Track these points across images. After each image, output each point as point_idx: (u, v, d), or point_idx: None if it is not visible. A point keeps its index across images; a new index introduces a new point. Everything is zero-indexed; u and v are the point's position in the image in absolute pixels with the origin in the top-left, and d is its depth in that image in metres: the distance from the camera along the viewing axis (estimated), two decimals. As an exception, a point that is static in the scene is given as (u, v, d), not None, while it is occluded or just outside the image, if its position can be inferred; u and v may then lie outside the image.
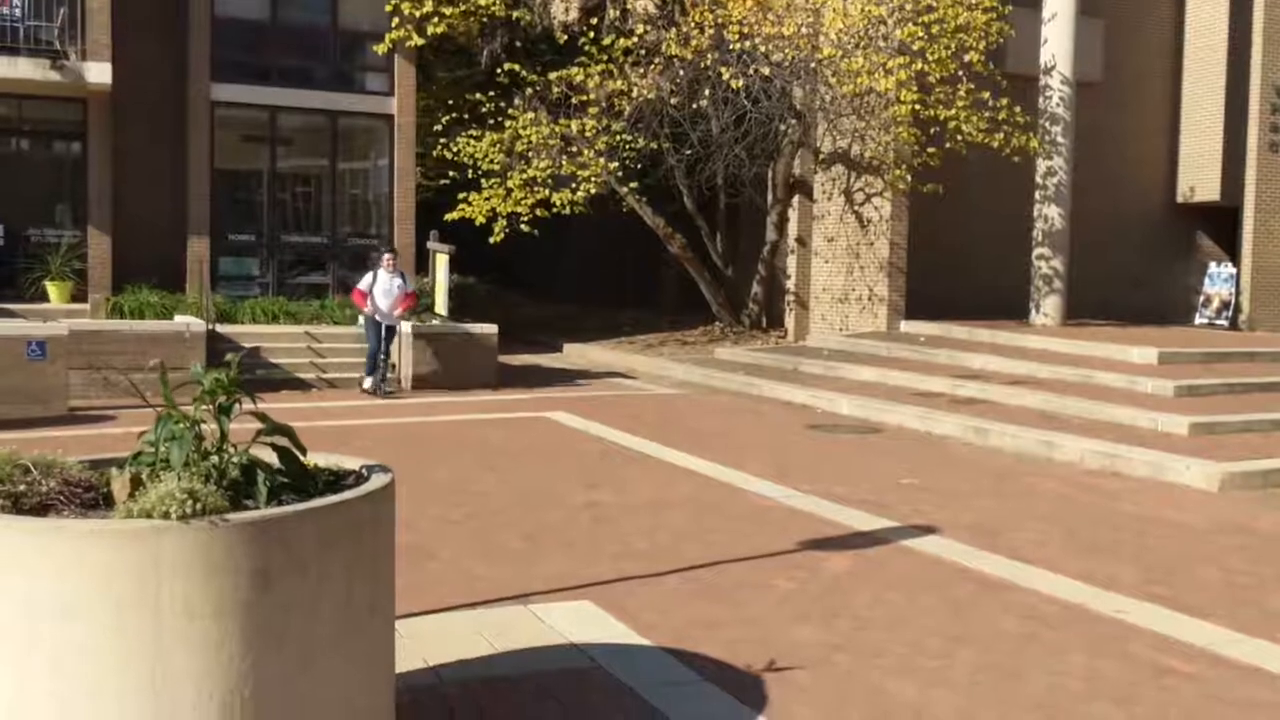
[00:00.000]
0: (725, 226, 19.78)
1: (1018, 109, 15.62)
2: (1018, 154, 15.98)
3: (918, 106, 15.51)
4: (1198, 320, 19.47)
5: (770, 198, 18.21)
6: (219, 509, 2.86)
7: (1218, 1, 19.41)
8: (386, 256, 13.75)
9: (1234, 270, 19.35)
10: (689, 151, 17.10)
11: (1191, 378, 12.13)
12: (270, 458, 3.19)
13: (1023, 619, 5.28)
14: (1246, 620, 5.31)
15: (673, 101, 16.75)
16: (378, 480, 3.26)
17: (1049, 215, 16.83)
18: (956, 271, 17.31)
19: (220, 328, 14.14)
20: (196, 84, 15.87)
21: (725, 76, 15.80)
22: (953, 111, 15.48)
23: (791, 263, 18.08)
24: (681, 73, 16.43)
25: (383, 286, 13.37)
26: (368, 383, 13.42)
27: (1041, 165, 16.80)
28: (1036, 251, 16.97)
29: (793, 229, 18.11)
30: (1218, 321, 19.13)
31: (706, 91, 16.24)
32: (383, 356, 13.40)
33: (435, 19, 16.63)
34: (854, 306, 17.35)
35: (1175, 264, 20.42)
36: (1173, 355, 13.03)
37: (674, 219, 18.77)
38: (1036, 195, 16.96)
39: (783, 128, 17.02)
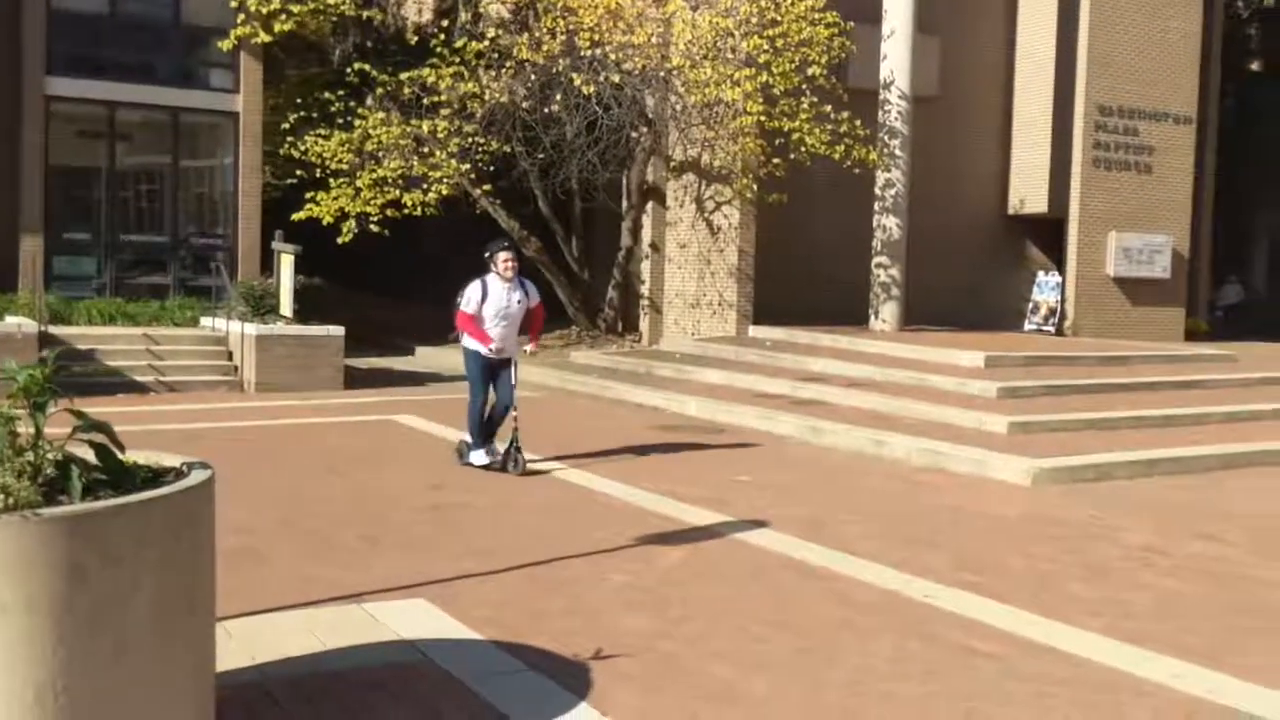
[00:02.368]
0: (582, 231, 19.95)
1: (858, 122, 16.22)
2: (858, 166, 16.58)
3: (763, 118, 15.97)
4: (1027, 326, 20.48)
5: (625, 203, 18.48)
6: (32, 504, 2.88)
7: (1045, 24, 20.47)
8: (503, 256, 8.82)
9: (1060, 279, 20.43)
10: (542, 155, 17.23)
11: (1014, 380, 12.80)
12: (89, 456, 3.21)
13: (841, 605, 5.57)
14: (1046, 603, 5.71)
15: (525, 105, 16.85)
16: (196, 476, 3.30)
17: (887, 225, 17.52)
18: (803, 278, 17.85)
19: (54, 329, 13.65)
20: (31, 78, 15.28)
21: (577, 82, 15.99)
22: (796, 123, 15.98)
23: (646, 268, 18.37)
24: (533, 77, 16.56)
25: (497, 304, 8.78)
26: (479, 456, 8.96)
27: (881, 177, 17.47)
28: (876, 260, 17.64)
29: (646, 235, 18.40)
30: (1045, 327, 20.17)
31: (558, 96, 16.39)
32: (512, 411, 8.93)
33: (283, 16, 16.38)
34: (705, 312, 17.73)
35: (1007, 272, 21.41)
36: (999, 359, 13.71)
37: (529, 222, 18.86)
38: (876, 206, 17.62)
39: (635, 135, 17.30)
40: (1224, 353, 16.73)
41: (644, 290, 18.39)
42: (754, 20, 15.83)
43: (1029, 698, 4.41)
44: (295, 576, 5.75)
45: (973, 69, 20.47)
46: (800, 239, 17.96)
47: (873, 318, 17.63)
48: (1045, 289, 20.53)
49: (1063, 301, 20.28)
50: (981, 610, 5.55)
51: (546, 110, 16.64)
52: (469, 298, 8.80)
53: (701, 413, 12.59)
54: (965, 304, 19.79)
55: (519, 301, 8.89)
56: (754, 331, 17.18)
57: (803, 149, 16.08)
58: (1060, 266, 20.68)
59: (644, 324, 18.40)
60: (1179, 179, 21.35)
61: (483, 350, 8.80)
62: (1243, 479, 9.60)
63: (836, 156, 16.26)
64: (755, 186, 16.75)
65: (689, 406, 12.89)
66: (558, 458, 9.49)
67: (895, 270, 17.52)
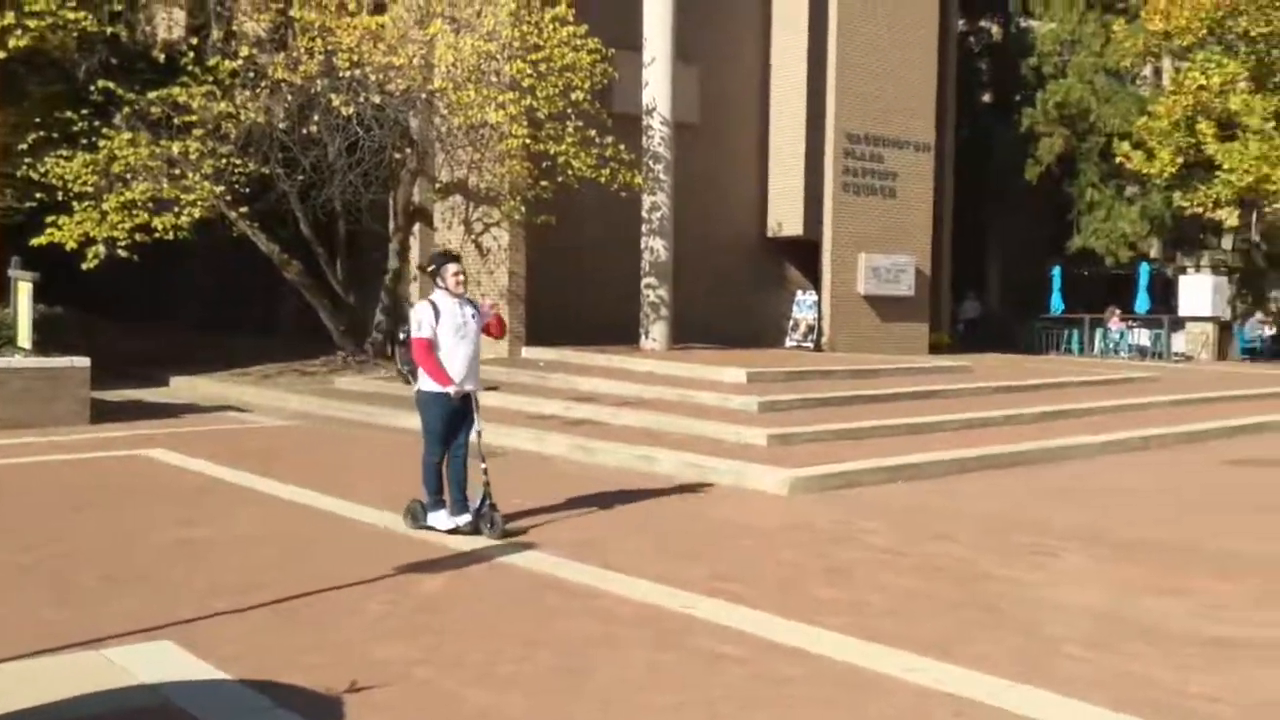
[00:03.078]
0: (346, 253, 19.52)
1: (623, 147, 16.56)
2: (625, 190, 16.93)
3: (529, 141, 16.09)
4: (788, 343, 21.38)
5: (392, 225, 18.20)
6: None
7: (796, 56, 21.48)
8: (453, 270, 7.59)
9: (817, 297, 21.43)
10: (302, 177, 16.77)
11: (774, 394, 13.35)
12: None
13: (601, 622, 5.67)
14: (794, 607, 5.98)
15: (282, 126, 16.38)
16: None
17: (655, 247, 17.95)
18: (575, 299, 18.05)
19: None
20: None
21: (336, 103, 15.67)
22: (563, 147, 16.18)
23: (414, 290, 18.14)
24: (290, 97, 16.12)
25: (453, 320, 7.55)
26: (441, 518, 7.63)
27: (647, 200, 17.90)
28: (645, 281, 18.04)
29: (414, 257, 18.17)
30: (804, 343, 21.10)
31: (317, 117, 16.01)
32: (480, 463, 7.62)
33: (18, 31, 15.35)
34: (476, 334, 17.64)
35: (769, 291, 22.28)
36: (760, 375, 14.26)
37: (291, 245, 18.30)
38: (643, 228, 18.03)
39: (398, 156, 17.09)
40: (961, 364, 17.96)
41: (413, 314, 18.13)
42: (517, 45, 15.93)
43: (772, 699, 4.61)
44: (30, 621, 5.39)
45: (731, 97, 21.26)
46: (571, 261, 18.17)
47: (643, 337, 18.00)
48: (804, 307, 21.48)
49: (820, 319, 21.27)
50: (734, 618, 5.76)
51: (305, 131, 16.23)
52: (419, 321, 7.50)
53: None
54: (731, 322, 20.47)
55: (473, 317, 7.65)
56: (527, 353, 17.24)
57: (569, 172, 16.29)
58: (817, 286, 21.68)
59: (414, 348, 18.12)
60: (920, 203, 22.79)
61: (447, 391, 7.43)
62: (974, 482, 10.32)
63: (603, 180, 16.55)
64: (524, 208, 16.83)
65: (459, 430, 12.80)
66: (320, 488, 9.25)
67: (663, 291, 17.96)
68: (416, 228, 18.08)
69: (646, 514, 8.63)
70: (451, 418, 7.56)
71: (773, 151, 21.86)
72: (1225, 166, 23.83)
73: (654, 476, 10.29)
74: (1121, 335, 27.72)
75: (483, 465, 7.57)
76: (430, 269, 7.81)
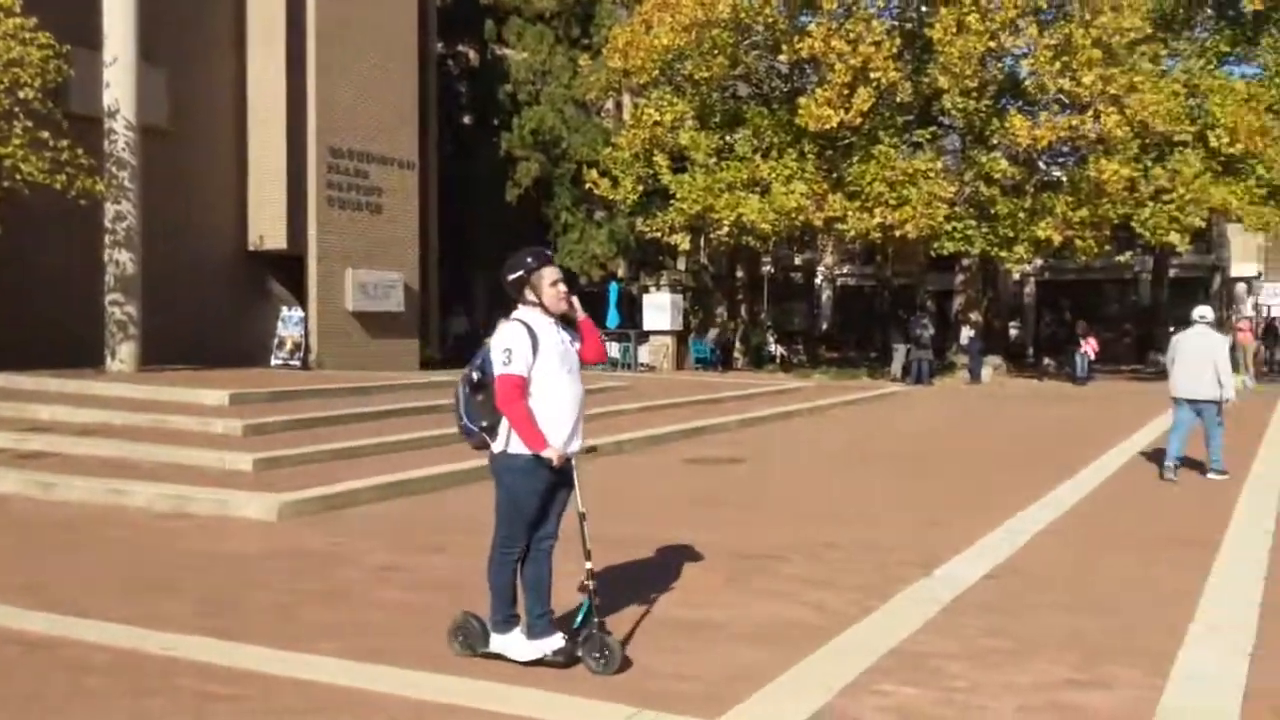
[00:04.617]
0: None
1: (80, 151, 15.13)
2: (85, 197, 15.47)
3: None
4: (274, 362, 20.68)
5: None
6: None
7: (275, 65, 20.86)
8: (549, 275, 5.23)
9: (303, 314, 20.94)
10: None
11: (261, 416, 12.86)
12: None
13: (71, 673, 5.17)
14: (289, 635, 5.82)
15: None
16: None
17: (121, 260, 16.57)
18: (28, 318, 16.20)
19: None
20: None
21: None
22: (9, 149, 14.47)
23: None
24: None
25: (555, 353, 5.17)
26: (523, 645, 5.26)
27: (110, 210, 16.48)
28: (110, 297, 16.58)
29: None
30: (291, 362, 20.53)
31: None
32: (586, 563, 5.25)
33: None
34: (-100, 359, 15.26)
35: (253, 308, 21.41)
36: (244, 396, 13.67)
37: None
38: (107, 240, 16.58)
39: None
40: (452, 379, 18.38)
41: None
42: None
43: (269, 732, 4.47)
44: None
45: (206, 103, 20.20)
46: (24, 275, 16.30)
47: (109, 358, 16.55)
48: (290, 324, 20.90)
49: (307, 336, 20.80)
50: (223, 653, 5.49)
51: None
52: (510, 350, 5.06)
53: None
54: (211, 341, 19.42)
55: (572, 343, 5.29)
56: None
57: (18, 177, 14.60)
58: (303, 302, 21.19)
59: None
60: (406, 219, 23.08)
61: (546, 456, 5.05)
62: (467, 492, 10.63)
63: (59, 186, 15.01)
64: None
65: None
66: None
67: (131, 307, 16.62)
68: None
69: (118, 552, 7.97)
70: (548, 493, 5.27)
71: (252, 162, 21.06)
72: (678, 196, 26.50)
73: (126, 511, 9.52)
74: (594, 348, 29.83)
75: (588, 564, 5.21)
76: (513, 277, 5.23)
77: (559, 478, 5.17)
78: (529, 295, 5.19)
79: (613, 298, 30.41)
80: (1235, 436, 12.73)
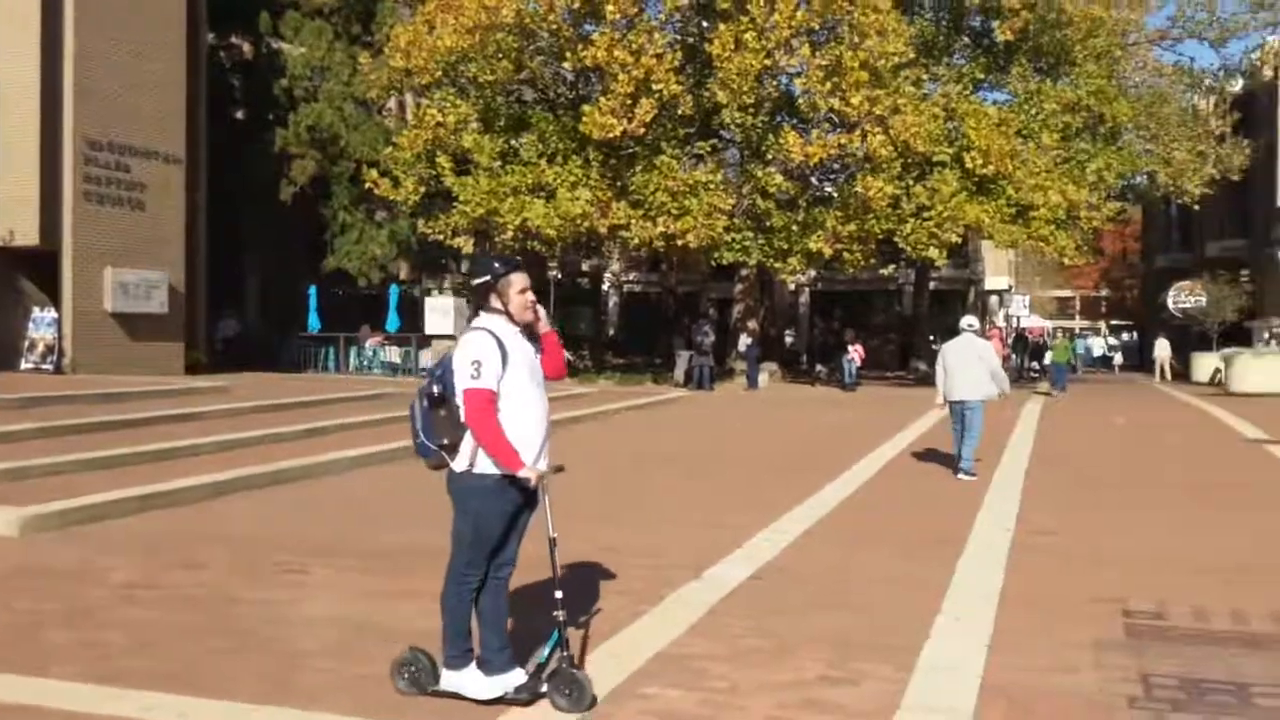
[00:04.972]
0: None
1: None
2: None
3: None
4: (24, 365, 19.34)
5: None
6: None
7: (27, 53, 19.51)
8: (518, 281, 4.82)
9: (57, 315, 19.64)
10: None
11: (7, 424, 11.99)
12: None
13: None
14: (25, 657, 5.42)
15: None
16: None
17: None
18: None
19: None
20: None
21: None
22: None
23: None
24: None
25: (525, 362, 4.81)
26: (481, 682, 4.84)
27: None
28: None
29: None
30: (43, 366, 19.24)
31: None
32: (557, 594, 4.86)
33: None
34: None
35: (3, 309, 19.94)
36: (-15, 402, 12.71)
37: None
38: None
39: None
40: (218, 384, 17.64)
41: None
42: None
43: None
44: None
45: (-55, 86, 18.69)
46: None
47: None
48: (41, 325, 19.60)
49: (61, 338, 19.53)
50: (-53, 683, 5.07)
51: None
52: (479, 361, 4.67)
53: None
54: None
55: (536, 354, 4.93)
56: None
57: None
58: (57, 302, 19.89)
59: None
60: (172, 216, 22.00)
61: (521, 474, 4.68)
62: (231, 505, 10.19)
63: None
64: None
65: None
66: None
67: None
68: None
69: None
70: (513, 517, 4.89)
71: (3, 154, 19.61)
72: (461, 198, 26.26)
73: None
74: (375, 353, 29.22)
75: (557, 593, 4.85)
76: (481, 282, 4.85)
77: (526, 499, 4.85)
78: (494, 302, 4.81)
79: (393, 301, 29.84)
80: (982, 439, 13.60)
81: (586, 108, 25.62)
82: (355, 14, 30.58)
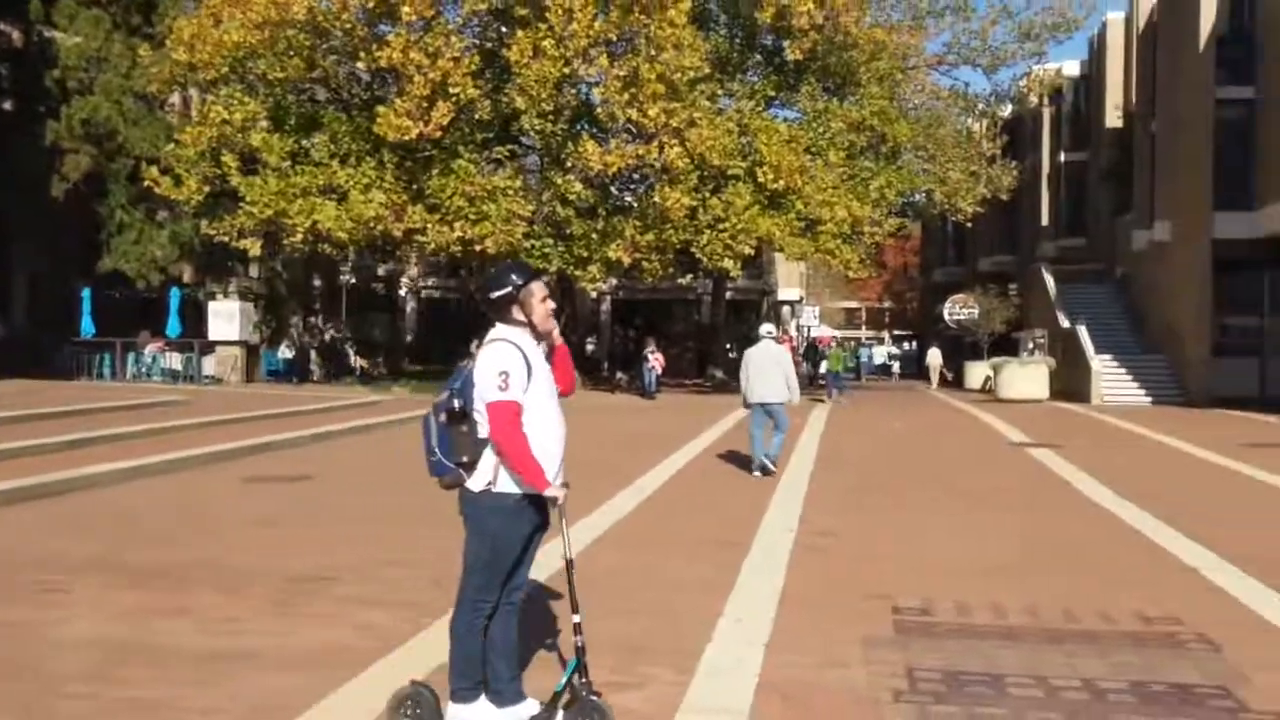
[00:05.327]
0: None
1: None
2: None
3: None
4: None
5: None
6: None
7: None
8: (538, 290, 4.59)
9: None
10: None
11: None
12: None
13: None
14: None
15: None
16: None
17: None
18: None
19: None
20: None
21: None
22: None
23: None
24: None
25: (545, 378, 4.63)
26: (487, 714, 4.48)
27: None
28: None
29: None
30: None
31: None
32: (575, 619, 4.55)
33: None
34: None
35: None
36: None
37: None
38: None
39: None
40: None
41: None
42: None
43: None
44: None
45: None
46: None
47: None
48: None
49: None
50: None
51: None
52: (505, 373, 4.41)
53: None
54: None
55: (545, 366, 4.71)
56: None
57: None
58: None
59: None
60: (-74, 212, 20.34)
61: (548, 493, 4.50)
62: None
63: None
64: None
65: None
66: None
67: None
68: None
69: None
70: (528, 538, 4.64)
71: None
72: (248, 199, 25.30)
73: None
74: (155, 359, 27.81)
75: (575, 618, 4.61)
76: (499, 294, 4.56)
77: (543, 520, 4.64)
78: (516, 314, 4.59)
79: (175, 304, 28.48)
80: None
81: (381, 109, 25.13)
82: (135, 4, 29.07)
